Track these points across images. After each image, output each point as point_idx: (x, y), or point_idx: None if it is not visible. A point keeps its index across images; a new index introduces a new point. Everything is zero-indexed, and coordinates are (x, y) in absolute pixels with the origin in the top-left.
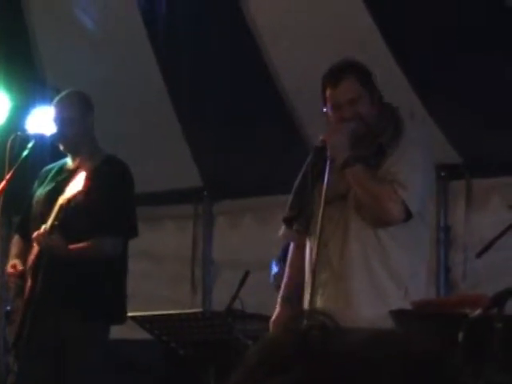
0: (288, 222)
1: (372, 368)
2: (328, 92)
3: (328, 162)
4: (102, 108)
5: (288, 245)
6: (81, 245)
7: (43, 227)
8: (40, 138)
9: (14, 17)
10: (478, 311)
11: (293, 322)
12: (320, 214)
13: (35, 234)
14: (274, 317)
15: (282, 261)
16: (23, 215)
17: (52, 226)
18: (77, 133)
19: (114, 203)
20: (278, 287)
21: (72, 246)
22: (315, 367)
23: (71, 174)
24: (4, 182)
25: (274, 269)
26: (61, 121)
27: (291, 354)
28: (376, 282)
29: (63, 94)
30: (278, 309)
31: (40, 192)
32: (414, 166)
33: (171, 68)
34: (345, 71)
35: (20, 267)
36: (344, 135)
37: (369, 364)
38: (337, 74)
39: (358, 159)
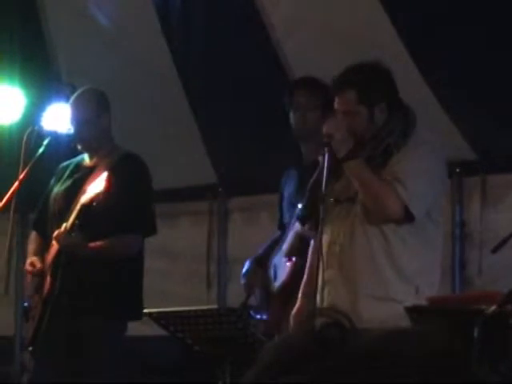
0: (302, 222)
1: (392, 364)
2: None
3: (326, 156)
4: (117, 104)
5: (269, 246)
6: (100, 243)
7: (64, 226)
8: (55, 136)
9: (28, 13)
10: (493, 307)
11: (308, 320)
12: (321, 212)
13: (56, 232)
14: (294, 311)
15: (255, 260)
16: (40, 212)
17: (73, 224)
18: (93, 133)
19: (133, 201)
20: (247, 285)
21: (91, 245)
22: (333, 364)
23: (89, 172)
24: (17, 183)
25: (245, 267)
26: (77, 122)
27: (308, 352)
28: (383, 280)
29: (79, 92)
30: (298, 303)
31: (58, 189)
32: (418, 165)
33: (186, 64)
34: (346, 84)
35: (39, 265)
36: (343, 129)
37: (389, 360)
38: (337, 84)
39: (365, 159)
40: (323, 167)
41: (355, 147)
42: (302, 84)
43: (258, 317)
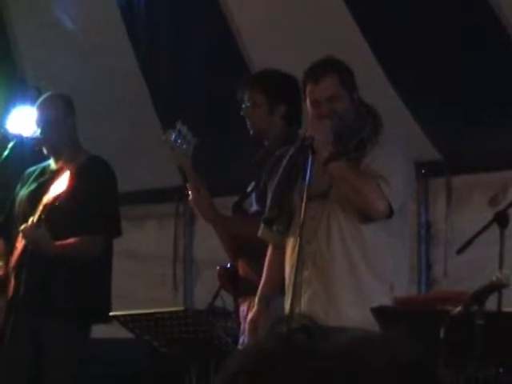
0: (268, 222)
1: (358, 369)
2: (308, 88)
3: (310, 158)
4: (82, 107)
5: None
6: (64, 242)
7: (31, 220)
8: (20, 139)
9: None
10: (458, 308)
11: (274, 327)
12: (302, 212)
13: (22, 226)
14: (250, 316)
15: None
16: (5, 216)
17: (39, 219)
18: (59, 135)
19: (98, 202)
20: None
21: (57, 243)
22: (302, 370)
23: (54, 175)
24: None
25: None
26: (43, 123)
27: (276, 358)
28: (359, 279)
29: (45, 96)
30: (254, 309)
31: (23, 193)
32: (394, 163)
33: (152, 68)
34: (326, 68)
35: (2, 267)
36: (326, 131)
37: (355, 366)
38: (318, 71)
39: (341, 154)
40: (289, 168)
41: (337, 148)
42: (245, 83)
43: None
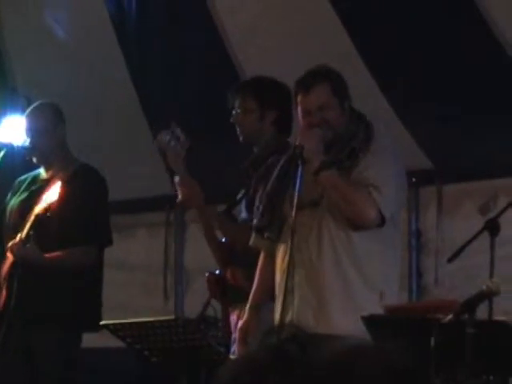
0: (259, 230)
1: (352, 377)
2: (299, 97)
3: (300, 168)
4: (73, 116)
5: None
6: (55, 254)
7: (18, 236)
8: (11, 148)
9: None
10: (449, 316)
11: (266, 337)
12: (292, 220)
13: (10, 243)
14: (240, 324)
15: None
16: None
17: (27, 235)
18: (49, 144)
19: (88, 212)
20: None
21: (47, 256)
22: (294, 379)
23: (45, 184)
24: None
25: None
26: (33, 132)
27: (268, 369)
28: (349, 287)
29: (35, 105)
30: (245, 316)
31: (13, 202)
32: (386, 171)
33: (143, 76)
34: (317, 78)
35: None
36: (317, 140)
37: (349, 374)
38: (308, 80)
39: (332, 163)
40: (281, 176)
41: (328, 157)
42: (236, 89)
43: None
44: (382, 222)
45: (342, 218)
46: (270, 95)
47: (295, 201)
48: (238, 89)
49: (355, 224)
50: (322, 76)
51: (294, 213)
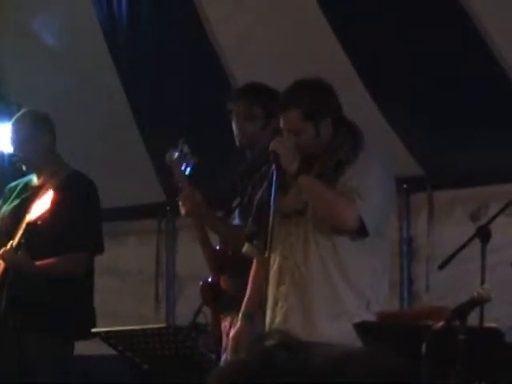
0: (249, 238)
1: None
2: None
3: (275, 173)
4: (64, 123)
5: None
6: (47, 261)
7: (10, 243)
8: (1, 155)
9: None
10: (440, 323)
11: (254, 344)
12: (270, 227)
13: (1, 250)
14: (233, 332)
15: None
16: None
17: (19, 243)
18: (35, 150)
19: (79, 220)
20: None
21: (38, 263)
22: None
23: (36, 191)
24: None
25: None
26: (17, 141)
27: (257, 376)
28: (336, 295)
29: (19, 113)
30: (238, 325)
31: (5, 209)
32: (373, 181)
33: (134, 84)
34: (290, 102)
35: None
36: (289, 146)
37: (339, 379)
38: (284, 101)
39: (318, 175)
40: (270, 184)
41: (305, 162)
42: (242, 93)
43: None
44: (365, 231)
45: (326, 226)
46: (275, 103)
47: (271, 208)
48: (240, 93)
49: (335, 228)
50: (292, 102)
51: (271, 220)
